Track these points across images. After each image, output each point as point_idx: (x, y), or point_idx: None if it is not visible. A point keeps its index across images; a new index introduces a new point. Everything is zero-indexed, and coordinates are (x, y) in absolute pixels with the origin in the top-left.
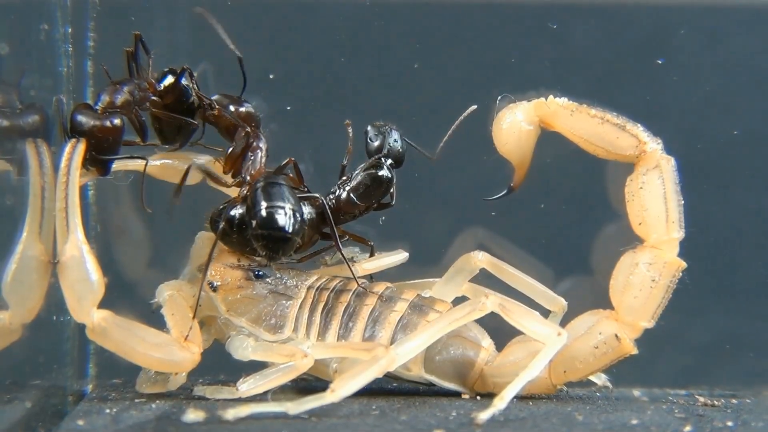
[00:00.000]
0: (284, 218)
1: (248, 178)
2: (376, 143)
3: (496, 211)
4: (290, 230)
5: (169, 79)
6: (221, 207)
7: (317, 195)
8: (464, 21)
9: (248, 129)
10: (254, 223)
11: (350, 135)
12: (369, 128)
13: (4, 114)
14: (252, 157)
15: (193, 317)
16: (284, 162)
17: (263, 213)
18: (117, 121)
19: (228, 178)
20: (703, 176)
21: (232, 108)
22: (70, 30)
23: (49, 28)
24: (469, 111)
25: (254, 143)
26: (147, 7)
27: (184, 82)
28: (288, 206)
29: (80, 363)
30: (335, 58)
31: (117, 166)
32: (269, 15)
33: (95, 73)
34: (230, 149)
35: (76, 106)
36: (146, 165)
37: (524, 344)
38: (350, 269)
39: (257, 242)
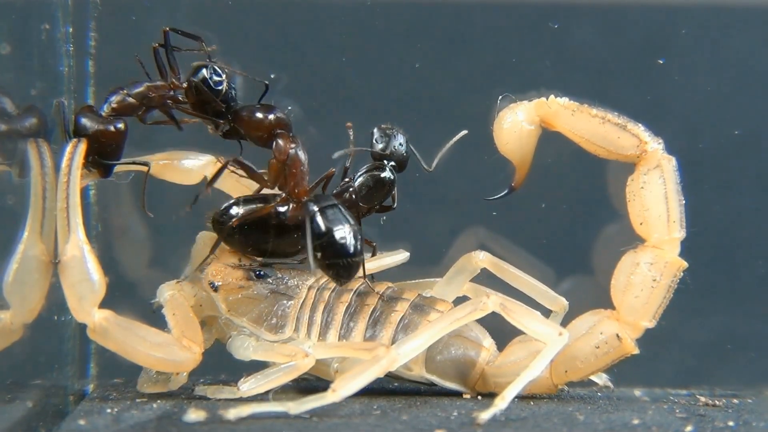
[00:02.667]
0: (352, 242)
1: (293, 195)
2: (381, 145)
3: (497, 211)
4: (359, 252)
5: (198, 76)
6: (223, 207)
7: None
8: (465, 21)
9: (281, 137)
10: (322, 253)
11: (351, 137)
12: (375, 130)
13: (1, 118)
14: (293, 170)
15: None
16: (325, 174)
17: (333, 242)
18: (120, 126)
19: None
20: (705, 176)
21: (260, 115)
22: (71, 30)
23: (50, 27)
24: (460, 135)
25: (293, 153)
26: (148, 7)
27: (209, 79)
28: (350, 228)
29: (81, 363)
30: (336, 57)
31: (119, 167)
32: (270, 15)
33: (96, 73)
34: (271, 161)
35: (80, 108)
36: (148, 171)
37: (525, 344)
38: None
39: (327, 271)
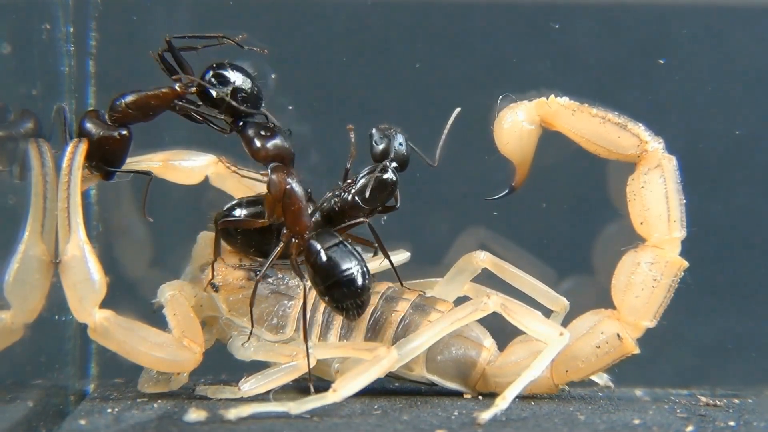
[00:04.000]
0: (360, 281)
1: (293, 232)
2: (381, 146)
3: (497, 211)
4: (368, 287)
5: (207, 79)
6: (225, 208)
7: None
8: (465, 21)
9: (277, 171)
10: (330, 295)
11: (352, 139)
12: (374, 131)
13: None
14: (291, 207)
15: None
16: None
17: (341, 283)
18: (125, 132)
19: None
20: (705, 176)
21: (258, 143)
22: (71, 29)
23: (50, 27)
24: (454, 115)
25: (288, 189)
26: (149, 7)
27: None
28: (358, 264)
29: (82, 362)
30: (337, 57)
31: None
32: (270, 15)
33: (97, 73)
34: (266, 195)
35: (85, 113)
36: (151, 179)
37: (526, 344)
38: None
39: (337, 311)
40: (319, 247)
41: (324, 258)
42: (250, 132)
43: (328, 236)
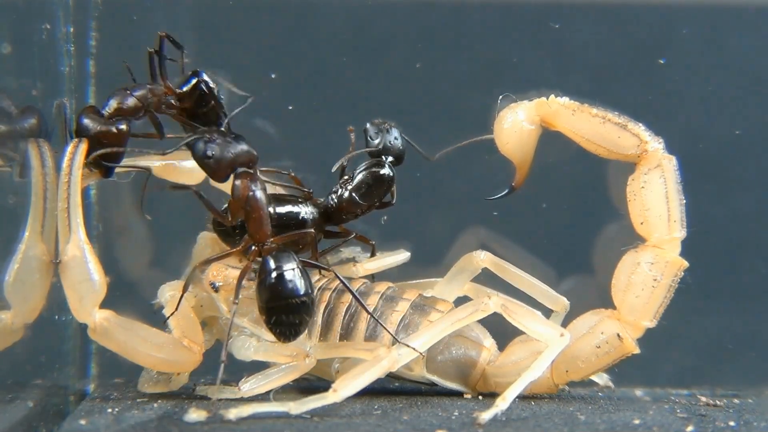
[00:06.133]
0: (304, 310)
1: (254, 238)
2: (376, 141)
3: (497, 211)
4: (307, 320)
5: (190, 84)
6: (224, 208)
7: (309, 190)
8: (465, 21)
9: (241, 177)
10: (269, 316)
11: (352, 141)
12: (369, 126)
13: (1, 119)
14: (252, 214)
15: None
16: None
17: (283, 308)
18: (123, 127)
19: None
20: (705, 176)
21: (218, 153)
22: (71, 29)
23: (50, 27)
24: (483, 138)
25: (251, 195)
26: (149, 7)
27: (206, 86)
28: (306, 295)
29: (82, 362)
30: (337, 57)
31: (120, 168)
32: (270, 15)
33: (97, 73)
34: (230, 199)
35: (83, 109)
36: (149, 174)
37: (526, 344)
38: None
39: (272, 329)
40: (272, 266)
41: (273, 279)
42: (214, 141)
43: (286, 257)
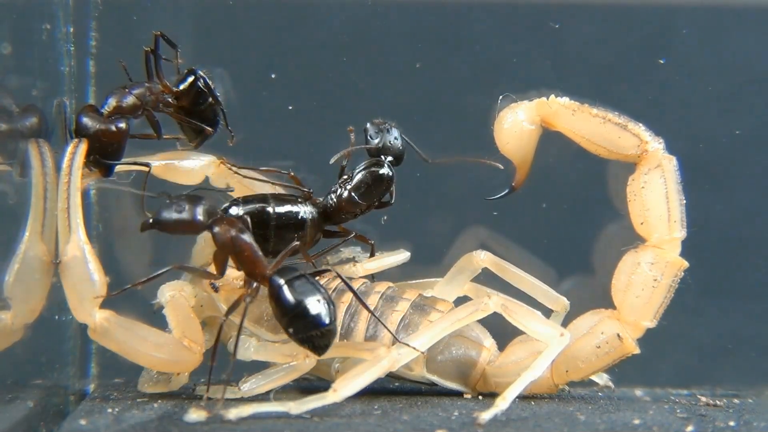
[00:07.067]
0: (325, 311)
1: (254, 278)
2: (376, 141)
3: (497, 211)
4: (333, 320)
5: (187, 82)
6: (223, 207)
7: (309, 190)
8: (465, 21)
9: (217, 224)
10: (295, 327)
11: (352, 141)
12: (368, 126)
13: (1, 117)
14: (243, 256)
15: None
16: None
17: (305, 314)
18: (122, 125)
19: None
20: (705, 176)
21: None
22: (72, 29)
23: (50, 27)
24: (491, 162)
25: (235, 237)
26: (149, 7)
27: (203, 84)
28: (321, 296)
29: (82, 362)
30: (337, 57)
31: (120, 168)
32: (270, 14)
33: (97, 73)
34: (214, 252)
35: (82, 108)
36: (149, 172)
37: (526, 344)
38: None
39: (303, 341)
40: (281, 281)
41: (286, 291)
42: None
43: (288, 271)
